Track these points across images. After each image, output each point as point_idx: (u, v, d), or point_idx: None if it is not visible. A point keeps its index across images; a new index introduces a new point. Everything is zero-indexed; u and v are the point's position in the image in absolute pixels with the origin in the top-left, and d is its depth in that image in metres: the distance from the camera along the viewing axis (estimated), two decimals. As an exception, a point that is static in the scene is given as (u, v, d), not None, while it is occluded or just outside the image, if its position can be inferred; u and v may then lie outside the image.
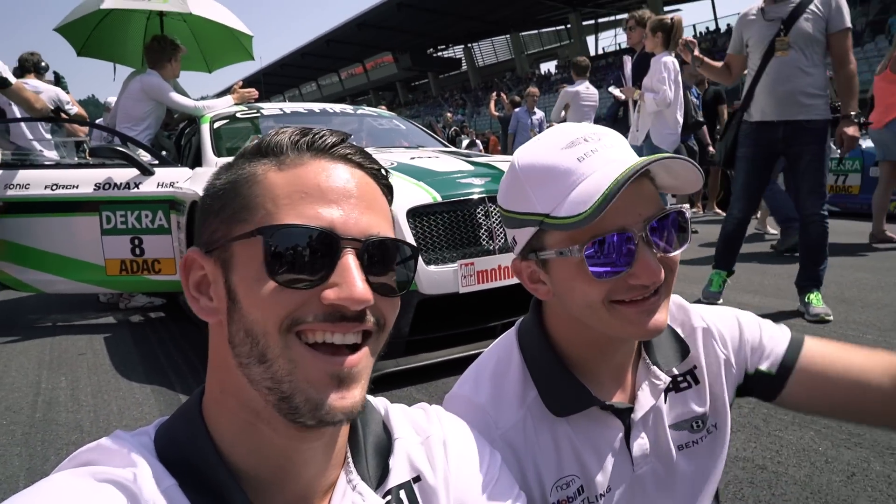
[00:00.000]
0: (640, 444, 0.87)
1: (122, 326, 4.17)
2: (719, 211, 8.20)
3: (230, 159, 0.65)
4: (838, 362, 0.89)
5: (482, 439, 0.76)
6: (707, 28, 37.34)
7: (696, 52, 3.74)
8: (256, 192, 0.59)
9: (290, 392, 0.55)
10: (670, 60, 4.76)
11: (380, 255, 0.60)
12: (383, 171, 0.66)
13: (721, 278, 3.87)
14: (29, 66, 5.61)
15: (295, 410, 0.55)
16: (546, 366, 0.86)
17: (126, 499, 0.51)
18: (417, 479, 0.68)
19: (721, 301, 3.75)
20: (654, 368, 0.89)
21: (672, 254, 0.78)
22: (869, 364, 0.88)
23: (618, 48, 42.37)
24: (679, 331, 0.94)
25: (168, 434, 0.60)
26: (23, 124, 5.08)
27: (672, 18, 4.82)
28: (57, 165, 4.36)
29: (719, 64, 3.80)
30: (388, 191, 0.67)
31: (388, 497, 0.65)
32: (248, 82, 5.23)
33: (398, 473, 0.67)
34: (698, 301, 3.61)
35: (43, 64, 5.72)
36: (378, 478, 0.66)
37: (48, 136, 5.52)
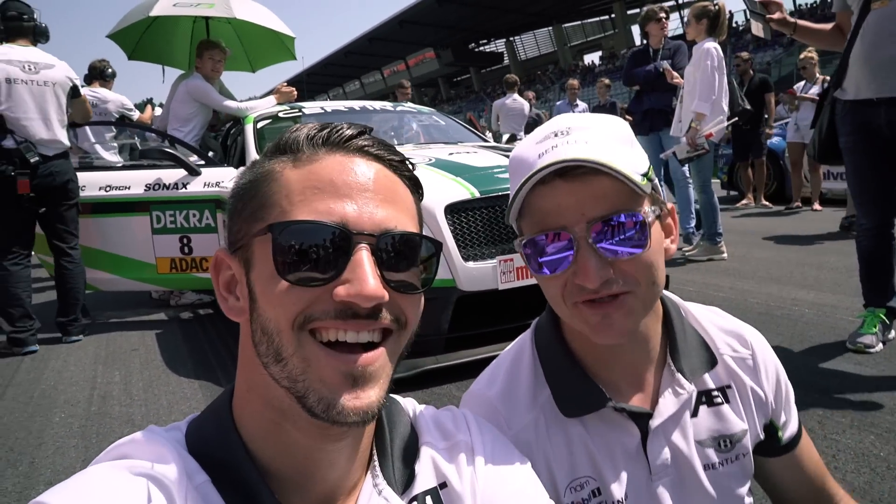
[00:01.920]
0: (658, 452, 0.83)
1: (173, 323, 4.31)
2: (768, 203, 7.90)
3: None
4: (811, 471, 0.97)
5: (510, 445, 0.75)
6: (759, 13, 35.93)
7: (786, 16, 2.79)
8: (273, 189, 0.58)
9: (304, 391, 0.54)
10: (713, 47, 4.59)
11: (398, 251, 0.58)
12: (407, 163, 0.64)
13: (876, 318, 2.78)
14: (96, 73, 5.88)
15: (310, 410, 0.54)
16: (559, 365, 0.85)
17: (161, 493, 0.51)
18: (444, 485, 0.66)
19: (876, 349, 2.73)
20: (679, 376, 0.85)
21: (628, 256, 0.73)
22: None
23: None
24: (722, 347, 0.91)
25: (199, 431, 0.60)
26: (87, 129, 5.32)
27: (716, 4, 4.64)
28: (110, 168, 4.53)
29: (826, 26, 2.87)
30: (412, 183, 0.65)
31: (415, 503, 0.64)
32: (292, 82, 5.32)
33: (424, 479, 0.66)
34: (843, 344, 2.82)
35: (109, 71, 5.98)
36: (404, 483, 0.65)
37: (111, 140, 5.77)
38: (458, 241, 2.78)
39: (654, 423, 0.83)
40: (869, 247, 2.73)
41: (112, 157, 5.62)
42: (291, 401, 0.55)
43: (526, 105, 8.88)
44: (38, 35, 3.80)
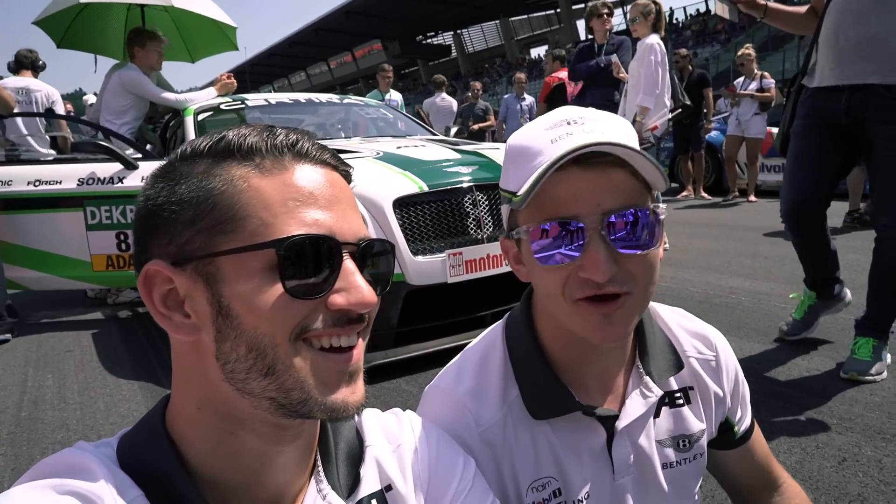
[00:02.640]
0: (623, 452, 0.85)
1: (110, 322, 4.13)
2: (706, 195, 8.21)
3: None
4: (762, 461, 1.00)
5: (456, 446, 0.75)
6: (697, 10, 37.19)
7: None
8: (243, 199, 0.55)
9: (303, 398, 0.55)
10: (656, 42, 4.72)
11: (372, 256, 0.61)
12: (349, 170, 0.65)
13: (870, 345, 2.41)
14: (27, 63, 5.57)
15: (307, 414, 0.55)
16: (530, 365, 0.84)
17: None
18: (389, 487, 0.67)
19: (875, 377, 2.36)
20: (647, 378, 0.86)
21: (635, 253, 0.72)
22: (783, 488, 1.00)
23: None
24: (688, 349, 0.92)
25: (130, 445, 0.58)
26: (18, 120, 5.02)
27: (655, 1, 4.79)
28: (38, 161, 4.29)
29: (800, 9, 2.65)
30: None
31: None
32: (235, 73, 5.14)
33: (369, 482, 0.66)
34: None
35: (40, 63, 5.67)
36: (349, 487, 0.65)
37: (43, 131, 5.46)
38: (406, 235, 2.77)
39: (621, 424, 0.83)
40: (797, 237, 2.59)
41: (45, 149, 5.32)
42: (260, 409, 0.55)
43: (454, 103, 9.24)
44: None
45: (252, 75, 45.09)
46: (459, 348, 3.20)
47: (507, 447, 0.81)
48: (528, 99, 9.21)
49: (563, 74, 6.81)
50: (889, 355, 2.44)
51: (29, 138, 5.20)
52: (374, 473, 0.67)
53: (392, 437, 0.71)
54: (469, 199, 2.92)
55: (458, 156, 3.32)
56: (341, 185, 0.60)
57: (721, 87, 16.01)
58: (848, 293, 2.76)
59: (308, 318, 0.55)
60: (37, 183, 3.82)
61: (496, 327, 0.92)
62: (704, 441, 0.91)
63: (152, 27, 4.78)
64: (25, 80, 5.43)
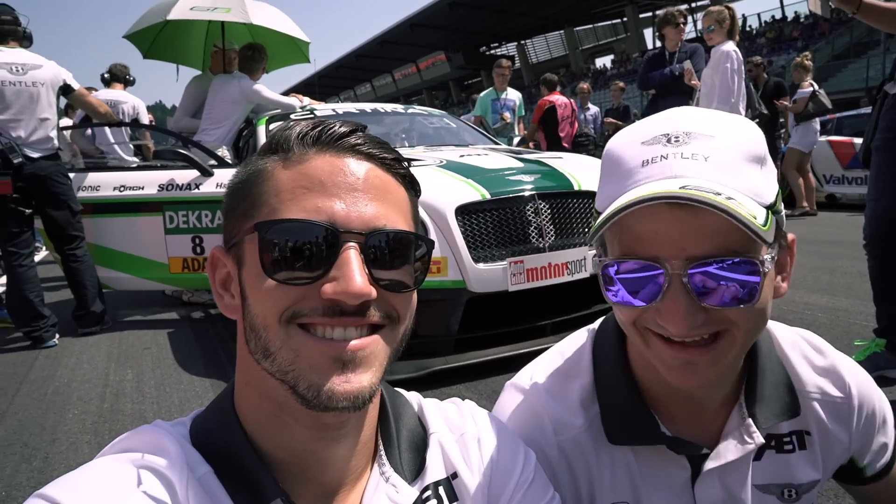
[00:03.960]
0: (710, 493, 0.76)
1: (184, 322, 4.34)
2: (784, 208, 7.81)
3: None
4: None
5: (516, 438, 0.74)
6: (773, 17, 35.71)
7: None
8: (263, 188, 0.59)
9: (295, 381, 0.55)
10: (732, 49, 4.57)
11: (388, 249, 0.58)
12: (400, 161, 0.63)
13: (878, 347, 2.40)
14: (120, 76, 5.97)
15: (302, 398, 0.55)
16: (615, 386, 0.77)
17: (164, 484, 0.52)
18: (455, 475, 0.67)
19: None
20: (749, 422, 0.75)
21: (721, 307, 0.62)
22: None
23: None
24: (811, 389, 0.80)
25: (202, 424, 0.61)
26: (107, 129, 5.38)
27: (729, 7, 4.65)
28: (123, 168, 4.58)
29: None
30: (406, 181, 0.64)
31: (428, 492, 0.65)
32: (304, 84, 5.36)
33: (435, 469, 0.67)
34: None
35: (131, 77, 6.08)
36: (413, 472, 0.66)
37: (128, 140, 5.84)
38: (468, 242, 2.79)
39: (710, 465, 0.75)
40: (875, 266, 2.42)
41: (129, 157, 5.69)
42: (287, 392, 0.56)
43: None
44: (22, 38, 3.86)
45: (321, 87, 46.49)
46: (519, 357, 3.17)
47: (586, 462, 0.77)
48: (592, 108, 9.10)
49: (554, 98, 6.89)
50: None
51: (116, 146, 5.57)
52: (439, 460, 0.67)
53: (454, 426, 0.71)
54: (531, 207, 2.91)
55: (520, 164, 3.32)
56: (368, 175, 0.59)
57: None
58: None
59: (298, 304, 0.55)
60: (121, 188, 4.08)
61: (584, 336, 0.86)
62: (816, 491, 0.81)
63: (231, 40, 5.03)
64: (115, 93, 5.82)
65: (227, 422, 0.60)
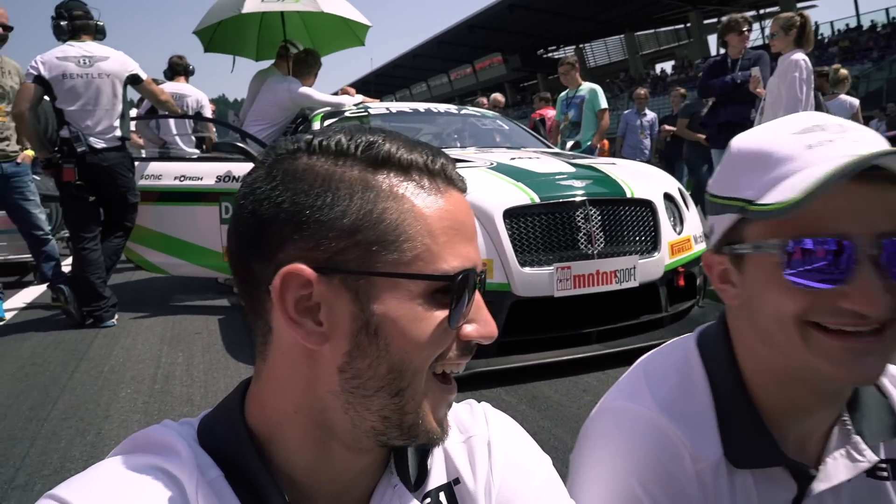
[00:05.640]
0: None
1: (234, 310, 4.47)
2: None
3: None
4: None
5: (532, 442, 0.71)
6: (847, 25, 34.13)
7: None
8: (407, 221, 0.53)
9: (413, 422, 0.55)
10: (801, 58, 4.38)
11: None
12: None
13: None
14: (180, 69, 6.16)
15: (411, 437, 0.56)
16: (735, 403, 0.72)
17: (174, 485, 0.52)
18: (457, 481, 0.65)
19: None
20: (857, 439, 0.72)
21: None
22: None
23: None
24: None
25: (210, 428, 0.60)
26: (170, 121, 5.60)
27: (802, 14, 4.46)
28: (184, 159, 4.75)
29: None
30: None
31: (427, 500, 0.63)
32: (361, 82, 5.44)
33: (437, 475, 0.64)
34: None
35: (191, 68, 6.28)
36: (416, 478, 0.64)
37: (191, 132, 6.05)
38: (515, 245, 2.76)
39: (820, 486, 0.71)
40: None
41: (191, 149, 5.89)
42: (359, 428, 0.55)
43: None
44: (96, 32, 4.02)
45: (376, 85, 47.14)
46: (562, 363, 3.11)
47: (719, 492, 0.71)
48: (650, 115, 8.86)
49: (545, 111, 6.85)
50: None
51: (177, 138, 5.77)
52: (442, 465, 0.65)
53: (463, 428, 0.68)
54: (581, 213, 2.87)
55: (572, 169, 3.27)
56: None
57: (875, 108, 14.60)
58: None
59: (448, 346, 0.55)
60: (182, 178, 4.23)
61: (685, 349, 0.79)
62: None
63: (292, 39, 5.14)
64: (180, 86, 6.01)
65: (235, 430, 0.58)
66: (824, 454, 0.72)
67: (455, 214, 0.55)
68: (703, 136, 7.27)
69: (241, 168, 4.14)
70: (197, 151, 5.54)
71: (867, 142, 0.62)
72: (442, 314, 0.53)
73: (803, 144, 0.63)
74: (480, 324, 0.56)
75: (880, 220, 0.59)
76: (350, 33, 5.90)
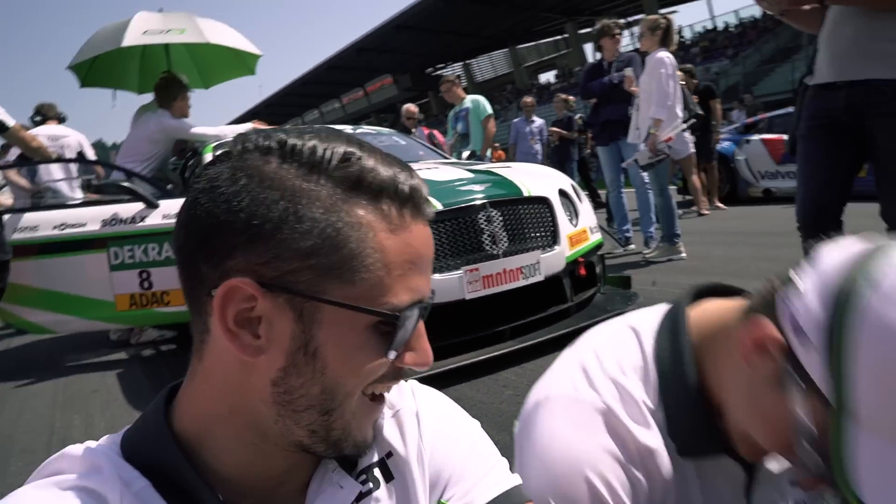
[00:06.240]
0: (765, 499, 0.75)
1: (134, 362, 4.17)
2: (721, 205, 8.12)
3: None
4: None
5: (458, 407, 0.73)
6: (704, 27, 37.39)
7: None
8: (366, 251, 0.52)
9: (338, 438, 0.56)
10: (666, 56, 4.78)
11: None
12: None
13: None
14: (52, 114, 5.76)
15: (337, 450, 0.57)
16: (684, 400, 0.73)
17: (97, 503, 0.49)
18: (389, 454, 0.65)
19: None
20: None
21: None
22: None
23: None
24: None
25: (133, 439, 0.58)
26: (52, 167, 5.17)
27: (666, 17, 4.93)
28: (64, 206, 4.41)
29: (810, 6, 2.47)
30: None
31: (363, 477, 0.63)
32: (251, 113, 5.29)
33: (369, 453, 0.65)
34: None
35: (62, 115, 5.90)
36: (351, 460, 0.64)
37: (76, 175, 5.62)
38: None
39: (772, 467, 0.74)
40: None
41: (77, 194, 5.46)
42: (289, 436, 0.56)
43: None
44: None
45: (267, 115, 46.17)
46: (480, 363, 3.15)
47: (665, 480, 0.72)
48: (538, 121, 9.26)
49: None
50: None
51: (61, 184, 5.35)
52: (374, 442, 0.66)
53: (390, 404, 0.69)
54: (483, 215, 2.94)
55: (470, 175, 3.35)
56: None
57: (734, 100, 16.02)
58: None
59: (382, 374, 0.56)
60: (62, 227, 3.91)
61: (625, 335, 0.80)
62: None
63: (178, 73, 4.92)
64: (56, 128, 5.60)
65: (160, 435, 0.56)
66: None
67: (416, 248, 0.55)
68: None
69: (128, 209, 3.89)
70: (82, 197, 5.17)
71: None
72: (383, 344, 0.54)
73: None
74: (418, 353, 0.57)
75: None
76: (239, 62, 5.75)
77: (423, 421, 0.68)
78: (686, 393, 0.72)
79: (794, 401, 0.61)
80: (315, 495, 0.59)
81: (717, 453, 0.73)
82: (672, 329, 0.76)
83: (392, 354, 0.54)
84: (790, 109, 7.90)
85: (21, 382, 3.82)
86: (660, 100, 4.75)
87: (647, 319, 0.81)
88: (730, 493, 0.74)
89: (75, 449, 0.55)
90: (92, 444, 0.57)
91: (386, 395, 0.60)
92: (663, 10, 32.62)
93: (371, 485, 0.63)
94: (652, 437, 0.72)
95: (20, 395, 3.59)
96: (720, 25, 35.76)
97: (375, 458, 0.65)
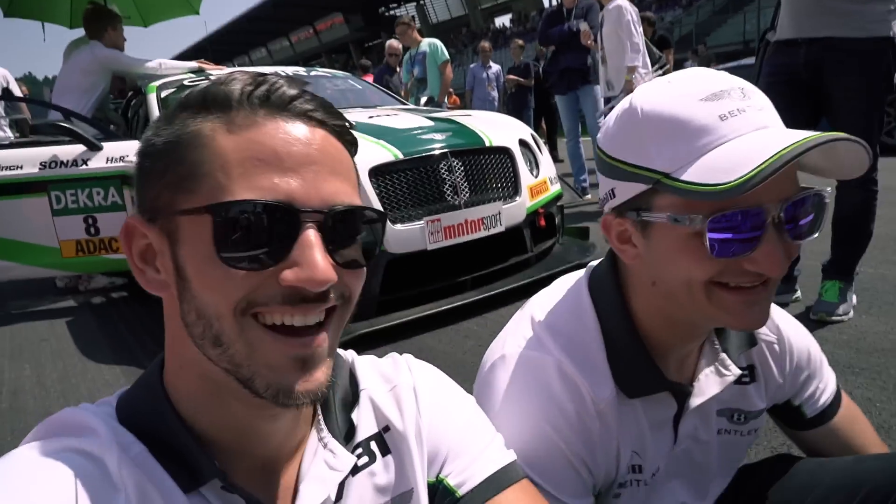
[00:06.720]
0: (690, 425, 0.83)
1: (84, 309, 4.05)
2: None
3: None
4: (854, 441, 0.95)
5: (454, 383, 0.74)
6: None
7: None
8: (204, 157, 0.51)
9: (250, 375, 0.51)
10: (626, 4, 4.74)
11: (345, 226, 0.54)
12: (346, 125, 0.58)
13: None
14: None
15: (257, 394, 0.52)
16: (625, 342, 0.78)
17: (96, 466, 0.49)
18: (387, 428, 0.66)
19: (843, 317, 2.47)
20: (724, 356, 0.82)
21: (800, 242, 0.68)
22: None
23: None
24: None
25: (130, 403, 0.58)
26: None
27: None
28: (-2, 146, 4.15)
29: None
30: (352, 147, 0.60)
31: (359, 450, 0.64)
32: (195, 50, 5.01)
33: (366, 425, 0.66)
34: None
35: None
36: (345, 432, 0.64)
37: (3, 114, 5.25)
38: (384, 203, 2.77)
39: (696, 401, 0.80)
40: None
41: (5, 133, 5.12)
42: (230, 378, 0.52)
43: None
44: None
45: (213, 53, 43.84)
46: (442, 313, 3.18)
47: (614, 423, 0.78)
48: (494, 67, 9.15)
49: (366, 78, 7.09)
50: (854, 296, 2.54)
51: None
52: (370, 416, 0.66)
53: (387, 378, 0.69)
54: (444, 165, 2.92)
55: (431, 123, 3.31)
56: (323, 144, 0.54)
57: (687, 50, 16.12)
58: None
59: (255, 291, 0.50)
60: (-3, 169, 3.69)
61: (576, 293, 0.84)
62: (761, 421, 0.90)
63: (110, 4, 4.60)
64: None
65: (156, 400, 0.56)
66: (696, 372, 0.82)
67: (263, 143, 0.51)
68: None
69: (69, 151, 3.69)
70: (11, 136, 4.85)
71: (768, 110, 0.67)
72: (231, 252, 0.50)
73: (715, 115, 0.65)
74: (300, 267, 0.50)
75: (783, 186, 0.65)
76: (183, 1, 5.41)
77: (421, 396, 0.69)
78: (626, 337, 0.78)
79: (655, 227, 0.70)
80: (309, 465, 0.60)
81: (659, 389, 0.79)
82: (609, 280, 0.81)
83: (223, 255, 0.49)
84: (744, 62, 8.05)
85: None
86: (633, 46, 4.75)
87: (598, 273, 0.85)
88: (664, 422, 0.82)
89: (72, 411, 0.55)
90: (88, 405, 0.56)
91: (294, 324, 0.52)
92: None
93: (367, 458, 0.64)
94: (604, 389, 0.76)
95: (-37, 346, 3.46)
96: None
97: (373, 432, 0.65)
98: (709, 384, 0.81)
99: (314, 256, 0.50)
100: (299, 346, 0.52)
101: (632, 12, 4.75)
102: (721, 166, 0.63)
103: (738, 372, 0.82)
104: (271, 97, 0.53)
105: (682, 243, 0.67)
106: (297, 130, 0.53)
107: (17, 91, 5.54)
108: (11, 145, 4.05)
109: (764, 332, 0.88)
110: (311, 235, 0.51)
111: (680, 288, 0.70)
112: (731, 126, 0.65)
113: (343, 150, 0.57)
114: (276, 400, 0.51)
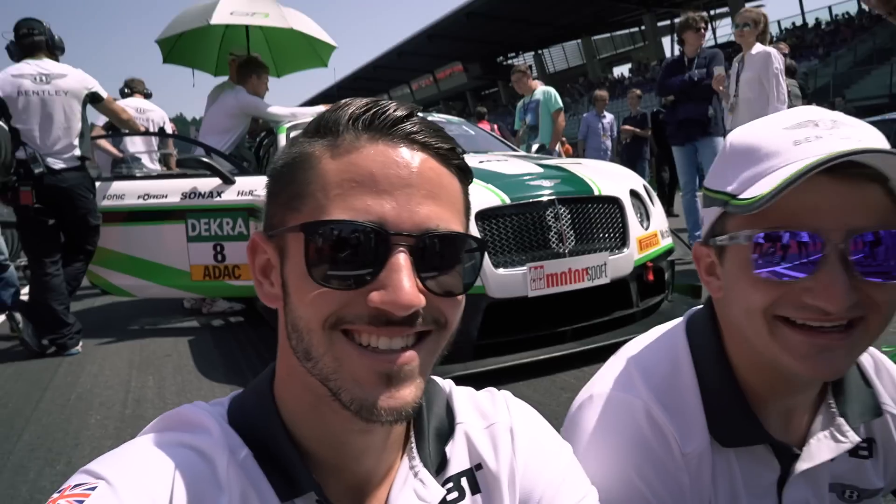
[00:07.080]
0: (798, 495, 0.75)
1: (205, 330, 4.38)
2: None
3: None
4: None
5: (552, 430, 0.72)
6: (793, 23, 35.37)
7: None
8: (310, 177, 0.54)
9: (337, 389, 0.52)
10: (776, 52, 4.54)
11: (439, 251, 0.53)
12: (456, 151, 0.58)
13: None
14: (139, 89, 6.17)
15: (344, 407, 0.53)
16: (721, 389, 0.74)
17: (206, 463, 0.52)
18: (479, 466, 0.64)
19: None
20: (841, 421, 0.75)
21: (880, 282, 0.61)
22: None
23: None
24: (886, 399, 0.79)
25: (241, 407, 0.60)
26: (135, 138, 5.47)
27: (761, 12, 4.68)
28: (148, 177, 4.65)
29: None
30: (461, 173, 0.59)
31: (450, 484, 0.62)
32: (322, 96, 5.40)
33: (458, 460, 0.64)
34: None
35: (147, 91, 6.26)
36: (437, 464, 0.63)
37: (156, 149, 5.94)
38: (488, 247, 2.77)
39: (802, 466, 0.73)
40: None
41: (155, 166, 5.77)
42: (325, 389, 0.54)
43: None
44: (53, 48, 3.87)
45: (339, 99, 46.84)
46: (539, 363, 3.10)
47: (705, 476, 0.73)
48: (609, 116, 9.05)
49: (482, 126, 7.12)
50: None
51: (143, 156, 5.66)
52: (464, 451, 0.65)
53: (485, 415, 0.68)
54: (551, 212, 2.90)
55: (540, 170, 3.31)
56: (422, 168, 0.54)
57: (823, 103, 15.16)
58: None
59: (343, 309, 0.51)
60: (146, 197, 4.13)
61: (673, 338, 0.81)
62: (878, 500, 0.81)
63: (256, 54, 5.08)
64: (141, 102, 5.93)
65: (265, 407, 0.59)
66: (809, 435, 0.75)
67: (362, 167, 0.53)
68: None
69: (207, 184, 4.06)
70: (161, 169, 5.43)
71: (857, 138, 0.62)
72: (324, 270, 0.52)
73: (791, 140, 0.64)
74: (386, 290, 0.50)
75: (852, 217, 0.60)
76: (313, 54, 5.90)
77: (518, 438, 0.67)
78: (722, 384, 0.74)
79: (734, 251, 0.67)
80: (398, 493, 0.60)
81: (758, 441, 0.73)
82: (707, 323, 0.77)
83: (313, 272, 0.51)
84: (888, 116, 7.40)
85: (103, 341, 4.08)
86: (779, 96, 4.51)
87: (697, 316, 0.82)
88: (764, 483, 0.74)
89: (190, 408, 0.58)
90: (204, 404, 0.60)
91: (379, 346, 0.52)
92: (750, 4, 31.12)
93: (456, 494, 0.63)
94: (695, 436, 0.72)
95: (101, 353, 3.84)
96: (810, 21, 33.75)
97: (465, 468, 0.64)
98: (820, 449, 0.74)
99: (401, 280, 0.50)
100: (385, 362, 0.52)
101: (780, 61, 4.54)
102: (771, 182, 0.61)
103: (857, 439, 0.74)
104: (376, 121, 0.55)
105: (742, 266, 0.65)
106: (397, 153, 0.54)
107: (169, 130, 6.24)
108: (160, 176, 4.54)
109: (891, 405, 0.79)
110: (402, 259, 0.51)
111: (743, 318, 0.67)
112: (804, 150, 0.62)
113: (446, 174, 0.56)
114: (360, 414, 0.52)
